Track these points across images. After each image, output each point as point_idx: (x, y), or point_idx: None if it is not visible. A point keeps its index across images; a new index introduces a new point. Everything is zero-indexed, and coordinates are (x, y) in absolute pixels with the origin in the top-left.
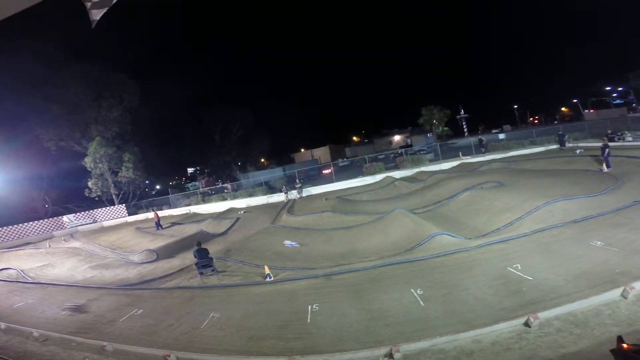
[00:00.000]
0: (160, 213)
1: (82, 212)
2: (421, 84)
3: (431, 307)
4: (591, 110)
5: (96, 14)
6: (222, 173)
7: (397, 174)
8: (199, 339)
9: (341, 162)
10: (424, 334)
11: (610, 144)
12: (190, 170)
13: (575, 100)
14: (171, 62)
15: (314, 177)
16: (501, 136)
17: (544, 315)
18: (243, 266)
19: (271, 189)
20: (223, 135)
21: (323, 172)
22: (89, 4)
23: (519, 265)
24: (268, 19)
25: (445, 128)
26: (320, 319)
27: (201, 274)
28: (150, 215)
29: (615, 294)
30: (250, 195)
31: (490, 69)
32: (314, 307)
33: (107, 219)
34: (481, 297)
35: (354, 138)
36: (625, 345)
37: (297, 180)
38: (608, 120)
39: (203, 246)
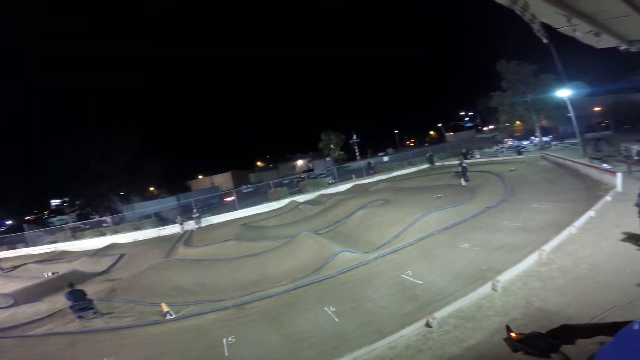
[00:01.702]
0: (12, 252)
1: None
2: (320, 110)
3: (345, 322)
4: (451, 133)
5: None
6: (99, 205)
7: (300, 197)
8: None
9: (245, 189)
10: (345, 349)
11: (466, 161)
12: (55, 202)
13: (439, 125)
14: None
15: (215, 206)
16: (385, 159)
17: (439, 314)
18: (135, 305)
19: (163, 220)
20: (102, 162)
21: (225, 199)
22: None
23: (410, 271)
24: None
25: (341, 152)
26: (239, 350)
27: (80, 317)
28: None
29: (487, 288)
30: (137, 228)
31: (376, 100)
32: (229, 339)
33: None
34: (385, 305)
35: (258, 163)
36: (513, 335)
37: (195, 210)
38: (462, 141)
39: (78, 287)
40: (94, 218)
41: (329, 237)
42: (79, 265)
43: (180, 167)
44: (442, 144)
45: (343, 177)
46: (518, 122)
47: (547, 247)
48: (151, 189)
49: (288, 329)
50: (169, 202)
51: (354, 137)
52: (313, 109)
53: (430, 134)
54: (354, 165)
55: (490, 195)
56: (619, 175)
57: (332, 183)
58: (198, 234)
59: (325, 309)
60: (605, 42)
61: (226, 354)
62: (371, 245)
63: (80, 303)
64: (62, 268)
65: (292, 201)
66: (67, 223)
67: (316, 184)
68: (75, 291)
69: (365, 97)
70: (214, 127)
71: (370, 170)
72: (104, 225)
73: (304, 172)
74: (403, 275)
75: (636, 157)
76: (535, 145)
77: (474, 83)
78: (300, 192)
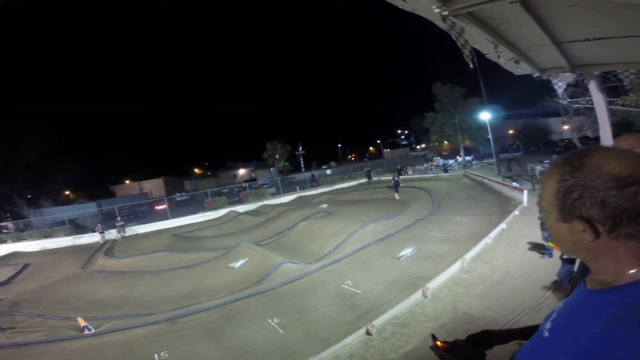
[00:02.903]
0: None
1: None
2: (265, 119)
3: (290, 333)
4: (388, 150)
5: None
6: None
7: (241, 208)
8: None
9: (179, 197)
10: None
11: (400, 177)
12: None
13: (378, 141)
14: None
15: (143, 214)
16: (328, 172)
17: (377, 322)
18: (45, 320)
19: (80, 228)
20: (5, 159)
21: (156, 207)
22: None
23: (349, 281)
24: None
25: (286, 163)
26: None
27: None
28: None
29: (418, 295)
30: (46, 236)
31: (323, 113)
32: (161, 354)
33: None
34: (328, 315)
35: (196, 170)
36: (439, 343)
37: (119, 218)
38: (398, 157)
39: None
40: None
41: (271, 248)
42: None
43: (104, 170)
44: (379, 160)
45: (287, 188)
46: (446, 142)
47: (468, 256)
48: (67, 192)
49: (230, 342)
50: (88, 208)
51: (300, 148)
52: (258, 117)
53: (370, 150)
54: (298, 176)
55: (420, 209)
56: (525, 192)
57: (275, 194)
58: (122, 244)
59: (269, 320)
60: (523, 69)
61: None
62: (313, 256)
63: None
64: None
65: (232, 211)
66: None
67: (258, 194)
68: None
69: (313, 110)
70: (146, 128)
71: (313, 182)
72: (4, 231)
73: (246, 181)
74: (343, 285)
75: (539, 177)
76: (459, 164)
77: (414, 103)
78: (240, 202)
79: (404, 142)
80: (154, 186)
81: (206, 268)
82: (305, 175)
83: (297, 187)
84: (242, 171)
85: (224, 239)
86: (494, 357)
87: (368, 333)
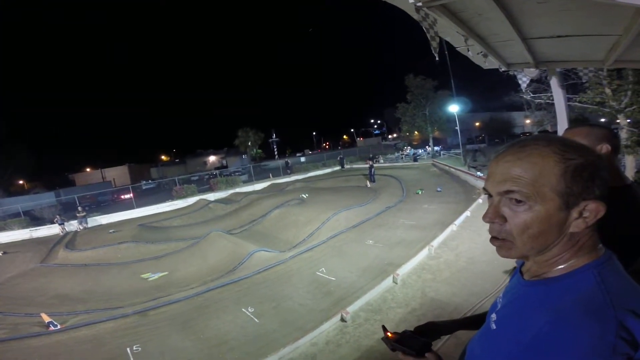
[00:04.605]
0: None
1: None
2: (238, 107)
3: (266, 321)
4: (361, 138)
5: None
6: None
7: (211, 196)
8: None
9: (145, 185)
10: (269, 348)
11: (374, 165)
12: None
13: (351, 130)
14: None
15: (107, 203)
16: (302, 159)
17: (351, 309)
18: (5, 317)
19: (36, 219)
20: None
21: (120, 196)
22: None
23: (324, 268)
24: None
25: (259, 150)
26: (149, 359)
27: None
28: None
29: (389, 281)
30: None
31: (298, 101)
32: (134, 348)
33: None
34: (304, 302)
35: (163, 157)
36: (390, 334)
37: (80, 208)
38: (370, 146)
39: None
40: None
41: (244, 236)
42: None
43: (61, 158)
44: (352, 148)
45: (260, 176)
46: (417, 133)
47: (435, 242)
48: (21, 182)
49: (204, 333)
50: (44, 199)
51: (274, 136)
52: (230, 103)
53: (344, 138)
54: (271, 164)
55: (390, 196)
56: None
57: (247, 181)
58: (84, 236)
59: (244, 310)
60: (490, 63)
61: None
62: (288, 244)
63: None
64: None
65: (201, 199)
66: None
67: (230, 181)
68: None
69: (287, 97)
70: (105, 111)
71: (287, 170)
72: None
73: (217, 168)
74: (318, 273)
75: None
76: (428, 154)
77: (387, 93)
78: (211, 189)
79: (377, 132)
80: (117, 174)
81: (175, 258)
82: (279, 162)
83: (270, 175)
84: (212, 158)
85: (194, 228)
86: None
87: (343, 320)
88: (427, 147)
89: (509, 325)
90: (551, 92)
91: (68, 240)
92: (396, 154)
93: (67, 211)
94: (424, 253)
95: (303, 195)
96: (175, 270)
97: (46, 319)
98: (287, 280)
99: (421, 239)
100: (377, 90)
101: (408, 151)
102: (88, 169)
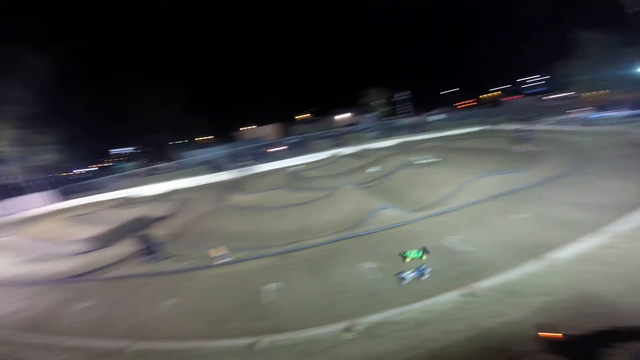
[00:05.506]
0: (83, 199)
1: None
2: (368, 65)
3: (385, 279)
4: (515, 97)
5: None
6: (157, 153)
7: (343, 151)
8: (158, 326)
9: (291, 140)
10: (381, 306)
11: (529, 127)
12: (116, 151)
13: (500, 88)
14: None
15: (260, 155)
16: (438, 117)
17: (482, 284)
18: (192, 250)
19: (215, 167)
20: (155, 112)
21: (270, 150)
22: None
23: (457, 237)
24: None
25: (390, 108)
26: (282, 297)
27: (149, 260)
28: (83, 200)
29: (537, 264)
30: (195, 174)
31: (431, 56)
32: (274, 286)
33: (30, 207)
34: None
35: (299, 117)
36: (558, 335)
37: (245, 158)
38: (523, 106)
39: (145, 231)
40: (153, 164)
41: (371, 192)
42: (144, 211)
43: (226, 120)
44: (500, 108)
45: (390, 133)
46: (593, 93)
47: (615, 228)
48: (202, 138)
49: (328, 280)
50: (219, 151)
51: (404, 93)
52: (360, 61)
53: (496, 94)
54: (403, 121)
55: (551, 165)
56: None
57: (377, 138)
58: (247, 181)
59: (366, 264)
60: None
61: (272, 299)
62: (415, 205)
63: (147, 248)
64: (130, 214)
65: (335, 154)
66: (131, 170)
67: (359, 138)
68: (143, 235)
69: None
70: (257, 79)
71: (421, 127)
72: (165, 171)
73: (348, 125)
74: (450, 239)
75: None
76: (615, 118)
77: (541, 49)
78: (343, 145)
79: (533, 91)
80: (267, 131)
81: (312, 207)
82: (411, 120)
83: (402, 132)
84: (344, 116)
85: (328, 180)
86: None
87: (468, 294)
88: (612, 109)
89: None
90: None
91: (236, 185)
92: (563, 116)
93: (234, 161)
94: (594, 239)
95: (432, 158)
96: (310, 218)
97: (220, 252)
98: (413, 242)
99: (591, 223)
100: (531, 44)
101: (582, 114)
102: (246, 127)
